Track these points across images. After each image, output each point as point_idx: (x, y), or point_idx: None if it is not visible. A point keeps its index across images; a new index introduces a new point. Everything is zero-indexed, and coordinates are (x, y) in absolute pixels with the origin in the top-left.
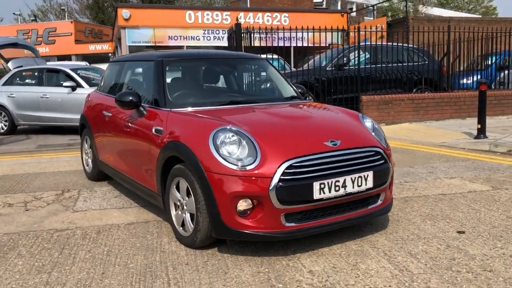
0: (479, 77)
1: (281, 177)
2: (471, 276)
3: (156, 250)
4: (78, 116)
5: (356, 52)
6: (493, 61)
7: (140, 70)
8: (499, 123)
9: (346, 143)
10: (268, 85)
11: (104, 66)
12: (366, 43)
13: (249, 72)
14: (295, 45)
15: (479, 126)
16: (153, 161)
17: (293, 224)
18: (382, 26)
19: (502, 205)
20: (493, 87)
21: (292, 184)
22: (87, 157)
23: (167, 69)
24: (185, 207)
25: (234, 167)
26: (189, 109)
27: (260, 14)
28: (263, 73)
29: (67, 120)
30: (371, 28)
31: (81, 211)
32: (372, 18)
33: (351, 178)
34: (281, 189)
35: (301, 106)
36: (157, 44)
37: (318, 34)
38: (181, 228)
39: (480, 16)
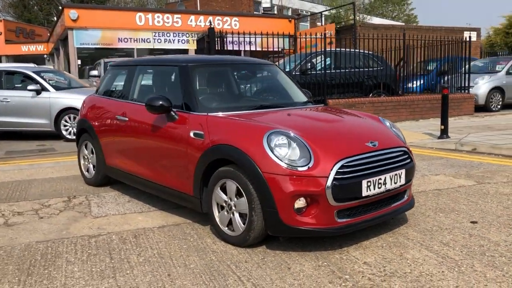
0: (422, 81)
1: (335, 176)
2: (505, 259)
3: (206, 251)
4: (44, 121)
5: (320, 57)
6: (435, 66)
7: (158, 74)
8: (450, 124)
9: (382, 144)
10: (283, 90)
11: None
12: (331, 49)
13: (265, 77)
14: (249, 49)
15: (443, 127)
16: (190, 164)
17: (344, 220)
18: (331, 33)
19: (494, 197)
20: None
21: (345, 183)
22: (86, 163)
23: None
24: (233, 208)
25: (291, 168)
26: (221, 113)
27: (211, 18)
28: (277, 78)
29: (32, 125)
30: (321, 34)
31: (102, 216)
32: (307, 26)
33: (390, 176)
34: (335, 187)
35: (326, 110)
36: (106, 47)
37: (267, 39)
38: (226, 228)
39: (415, 25)
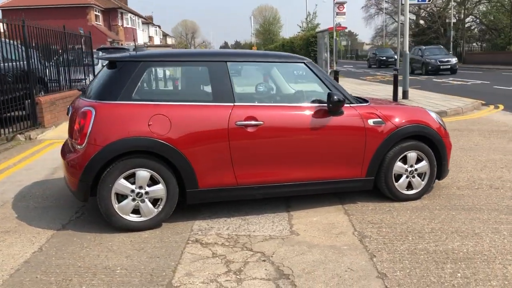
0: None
1: None
2: None
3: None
4: None
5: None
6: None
7: (268, 71)
8: None
9: None
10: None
11: None
12: None
13: None
14: None
15: None
16: (368, 149)
17: None
18: None
19: None
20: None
21: None
22: (133, 202)
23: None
24: (414, 172)
25: (446, 131)
26: (373, 103)
27: None
28: None
29: None
30: None
31: (294, 235)
32: None
33: None
34: None
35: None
36: None
37: None
38: (405, 190)
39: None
